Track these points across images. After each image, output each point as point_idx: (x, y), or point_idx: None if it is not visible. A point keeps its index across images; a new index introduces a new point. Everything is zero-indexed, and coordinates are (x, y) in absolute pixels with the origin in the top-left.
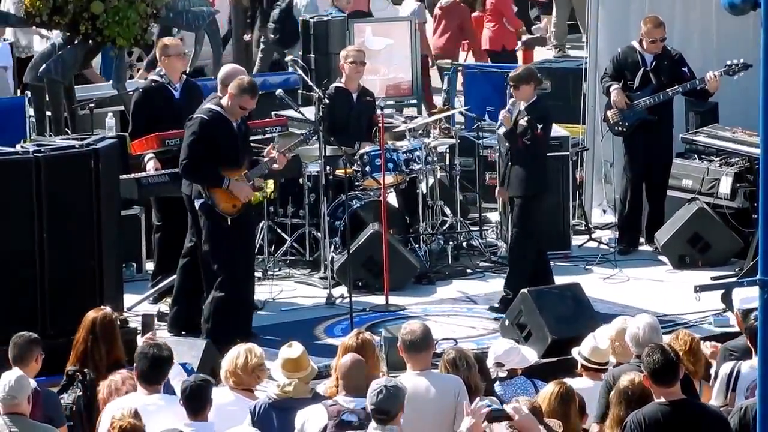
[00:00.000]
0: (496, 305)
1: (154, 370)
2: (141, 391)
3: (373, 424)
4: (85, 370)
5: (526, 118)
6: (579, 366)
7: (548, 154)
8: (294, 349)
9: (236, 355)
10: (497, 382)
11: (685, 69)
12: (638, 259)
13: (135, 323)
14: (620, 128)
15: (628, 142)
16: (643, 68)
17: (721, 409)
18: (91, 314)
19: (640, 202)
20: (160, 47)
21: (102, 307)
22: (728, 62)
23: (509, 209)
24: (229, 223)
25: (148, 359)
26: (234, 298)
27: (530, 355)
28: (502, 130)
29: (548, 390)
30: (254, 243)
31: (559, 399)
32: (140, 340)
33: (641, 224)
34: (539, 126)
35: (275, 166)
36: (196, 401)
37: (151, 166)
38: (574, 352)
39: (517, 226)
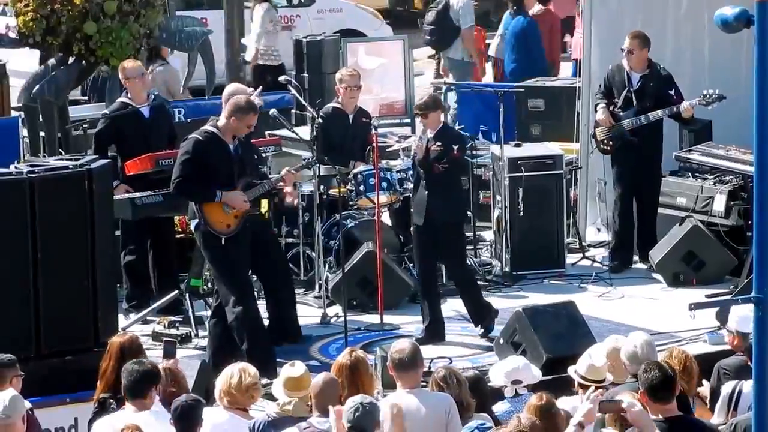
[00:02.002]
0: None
1: (138, 385)
2: (129, 409)
3: None
4: (119, 396)
5: (437, 144)
6: (575, 384)
7: (542, 173)
8: (296, 368)
9: (230, 374)
10: (506, 399)
11: (672, 92)
12: (633, 277)
13: None
14: (606, 146)
15: (616, 160)
16: (627, 88)
17: (721, 427)
18: (117, 341)
19: (630, 219)
20: (120, 70)
21: (123, 331)
22: (704, 92)
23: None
24: (222, 242)
25: (131, 375)
26: (252, 307)
27: (536, 371)
28: (416, 158)
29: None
30: (248, 263)
31: (541, 413)
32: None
33: (633, 242)
34: (455, 147)
35: (282, 185)
36: (188, 421)
37: (121, 191)
38: (570, 370)
39: (454, 255)
